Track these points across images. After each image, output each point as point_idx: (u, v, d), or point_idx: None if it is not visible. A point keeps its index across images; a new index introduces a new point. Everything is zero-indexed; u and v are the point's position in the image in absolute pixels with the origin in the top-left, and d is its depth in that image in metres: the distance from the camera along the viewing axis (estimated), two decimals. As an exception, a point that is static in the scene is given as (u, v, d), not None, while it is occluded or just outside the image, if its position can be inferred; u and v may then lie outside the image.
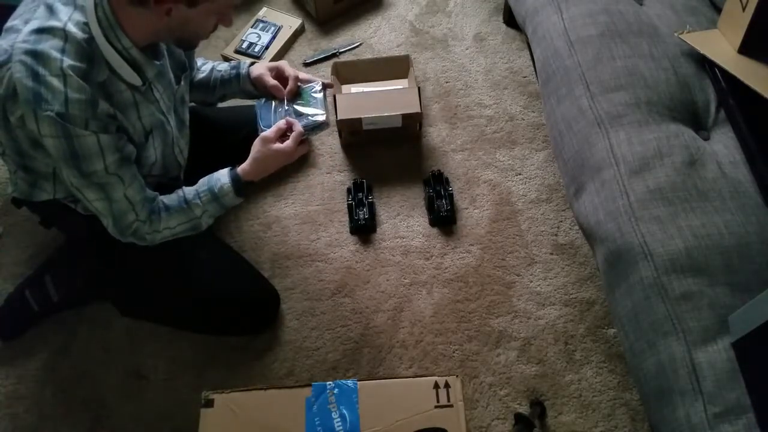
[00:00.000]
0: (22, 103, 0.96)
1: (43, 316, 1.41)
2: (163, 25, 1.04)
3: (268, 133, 1.22)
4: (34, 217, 1.40)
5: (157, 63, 1.13)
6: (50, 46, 0.96)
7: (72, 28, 0.97)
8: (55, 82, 0.95)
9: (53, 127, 0.97)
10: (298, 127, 1.23)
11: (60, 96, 0.95)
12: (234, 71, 1.41)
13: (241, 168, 1.23)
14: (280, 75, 1.36)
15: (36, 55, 0.95)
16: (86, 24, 0.99)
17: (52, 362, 1.38)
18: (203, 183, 1.23)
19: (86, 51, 0.99)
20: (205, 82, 1.42)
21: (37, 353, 1.39)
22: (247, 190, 1.24)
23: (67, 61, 0.96)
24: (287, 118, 1.25)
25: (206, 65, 1.44)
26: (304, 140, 1.26)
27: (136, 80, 1.08)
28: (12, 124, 1.03)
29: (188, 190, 1.22)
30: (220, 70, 1.43)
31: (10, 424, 1.31)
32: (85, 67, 0.98)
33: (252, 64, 1.40)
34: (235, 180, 1.21)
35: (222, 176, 1.22)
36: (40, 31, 0.96)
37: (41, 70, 0.95)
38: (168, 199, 1.20)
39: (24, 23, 0.99)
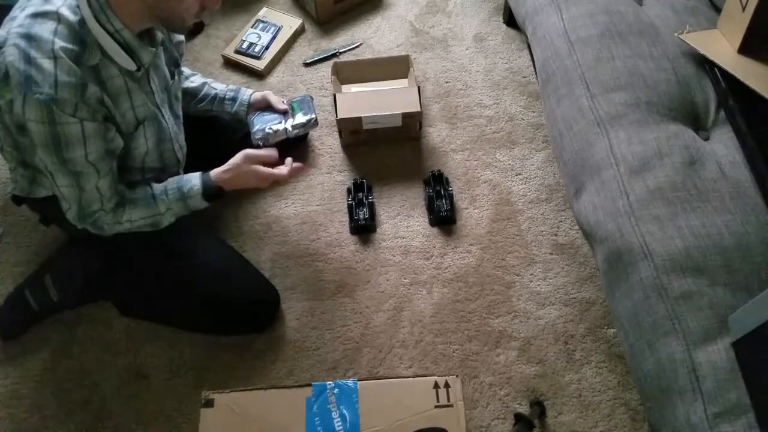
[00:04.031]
0: (13, 86, 0.97)
1: (43, 316, 1.41)
2: (144, 4, 1.03)
3: (255, 152, 1.25)
4: (34, 217, 1.41)
5: (153, 49, 1.13)
6: (43, 29, 0.97)
7: (65, 11, 0.98)
8: (46, 65, 0.96)
9: (40, 111, 0.98)
10: (283, 171, 1.27)
11: (50, 78, 0.96)
12: (232, 94, 1.47)
13: (214, 172, 1.25)
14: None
15: (29, 38, 0.96)
16: (78, 6, 1.00)
17: (52, 362, 1.38)
18: (173, 182, 1.24)
19: (78, 33, 0.99)
20: (193, 93, 1.45)
21: (37, 353, 1.39)
22: (215, 197, 1.25)
23: (59, 43, 0.97)
24: (271, 151, 1.30)
25: (195, 77, 1.47)
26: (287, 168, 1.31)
27: (130, 65, 1.08)
28: (2, 109, 1.03)
29: (156, 187, 1.22)
30: (215, 89, 1.47)
31: (10, 424, 1.31)
32: (77, 50, 0.99)
33: (252, 94, 1.48)
34: (206, 183, 1.23)
35: (193, 178, 1.24)
36: (35, 15, 0.98)
37: (33, 53, 0.95)
38: (135, 192, 1.21)
39: (21, 11, 1.00)
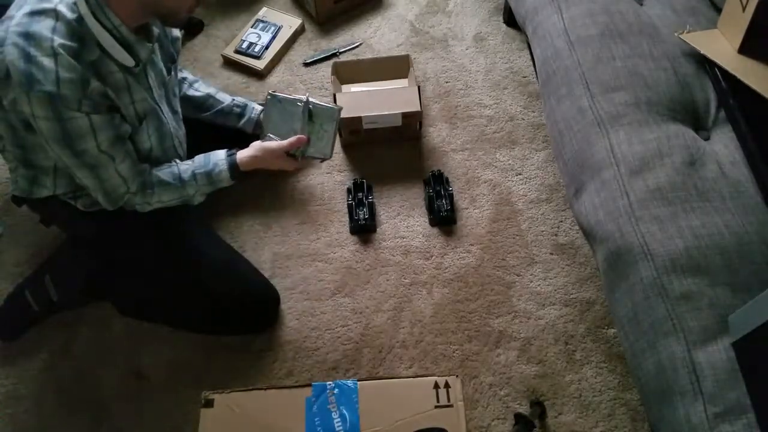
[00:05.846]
0: (14, 85, 0.97)
1: (43, 316, 1.41)
2: (138, 1, 1.04)
3: (279, 147, 1.30)
4: (34, 217, 1.41)
5: (150, 45, 1.14)
6: (42, 26, 0.97)
7: (62, 8, 0.99)
8: (47, 62, 0.96)
9: (45, 108, 0.98)
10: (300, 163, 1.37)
11: (51, 75, 0.96)
12: (239, 110, 1.48)
13: (241, 158, 1.29)
14: None
15: (28, 36, 0.96)
16: (75, 4, 1.00)
17: (52, 362, 1.38)
18: (200, 164, 1.27)
19: (77, 30, 1.00)
20: (198, 104, 1.46)
21: (37, 353, 1.39)
22: (242, 176, 1.31)
23: (58, 40, 0.97)
24: (300, 136, 1.33)
25: (198, 83, 1.47)
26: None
27: (129, 61, 1.09)
28: (5, 108, 1.04)
29: (183, 169, 1.25)
30: (222, 102, 1.47)
31: (10, 424, 1.31)
32: (76, 46, 0.99)
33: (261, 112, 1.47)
34: (232, 168, 1.28)
35: (220, 162, 1.27)
36: (33, 13, 0.98)
37: (33, 51, 0.96)
38: (163, 173, 1.23)
39: (18, 9, 1.00)
